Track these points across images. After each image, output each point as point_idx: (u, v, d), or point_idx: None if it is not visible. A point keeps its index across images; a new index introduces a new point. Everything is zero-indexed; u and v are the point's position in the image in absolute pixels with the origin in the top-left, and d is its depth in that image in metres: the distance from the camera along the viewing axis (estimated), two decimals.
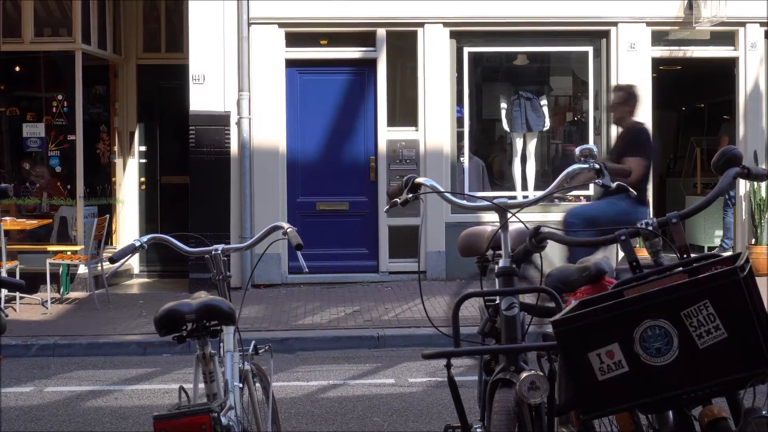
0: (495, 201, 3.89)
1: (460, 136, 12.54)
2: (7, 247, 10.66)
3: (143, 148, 13.57)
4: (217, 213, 11.97)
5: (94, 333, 9.63)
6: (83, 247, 11.49)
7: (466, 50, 12.53)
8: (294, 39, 12.35)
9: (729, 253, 3.42)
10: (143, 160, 13.57)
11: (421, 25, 12.28)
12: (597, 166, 3.99)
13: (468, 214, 11.02)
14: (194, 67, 12.01)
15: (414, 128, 12.36)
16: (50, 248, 11.65)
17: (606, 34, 12.53)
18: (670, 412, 3.31)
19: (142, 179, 13.57)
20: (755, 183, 12.04)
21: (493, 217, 3.96)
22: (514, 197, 12.00)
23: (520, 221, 3.85)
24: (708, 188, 13.98)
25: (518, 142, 12.76)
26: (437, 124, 12.29)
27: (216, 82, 12.05)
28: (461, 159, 12.56)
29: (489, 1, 12.19)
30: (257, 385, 4.38)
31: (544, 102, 12.82)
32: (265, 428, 4.34)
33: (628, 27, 12.41)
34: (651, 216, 11.02)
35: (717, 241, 13.52)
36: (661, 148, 14.91)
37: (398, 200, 4.09)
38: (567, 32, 12.60)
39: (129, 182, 13.51)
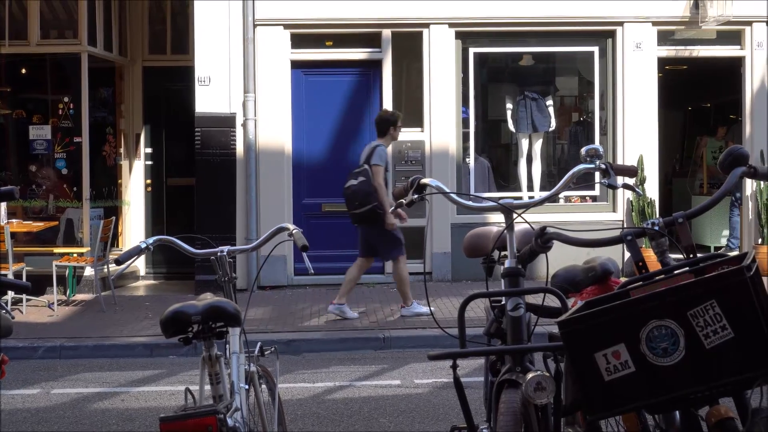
0: (500, 201, 3.88)
1: (465, 137, 12.54)
2: (13, 249, 10.68)
3: (149, 150, 13.58)
4: (222, 215, 11.97)
5: (101, 335, 9.63)
6: (89, 249, 11.50)
7: (472, 51, 12.53)
8: (299, 40, 12.35)
9: (735, 253, 3.41)
10: (149, 162, 13.58)
11: (427, 25, 12.27)
12: (603, 166, 3.98)
13: (474, 214, 11.00)
14: (200, 69, 12.02)
15: (419, 129, 12.36)
16: (56, 250, 11.67)
17: (612, 34, 12.51)
18: (677, 413, 3.30)
19: (148, 181, 13.58)
20: (762, 182, 12.01)
21: (498, 217, 3.95)
22: (520, 198, 12.06)
23: (526, 222, 3.85)
24: (714, 188, 13.96)
25: (524, 143, 12.74)
26: (443, 125, 12.29)
27: (222, 84, 12.05)
28: (467, 160, 12.56)
29: (494, 2, 12.18)
30: (263, 386, 4.38)
31: (549, 102, 12.81)
32: (271, 430, 4.34)
33: (634, 27, 12.39)
34: (658, 216, 11.01)
35: (723, 241, 13.50)
36: (667, 148, 14.88)
37: (404, 201, 4.08)
38: (573, 32, 12.59)
39: (135, 184, 13.52)
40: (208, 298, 3.99)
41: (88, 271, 11.64)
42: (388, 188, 9.96)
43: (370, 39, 12.43)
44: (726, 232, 13.49)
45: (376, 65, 12.41)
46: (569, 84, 13.55)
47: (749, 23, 12.46)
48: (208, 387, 3.93)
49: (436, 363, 7.70)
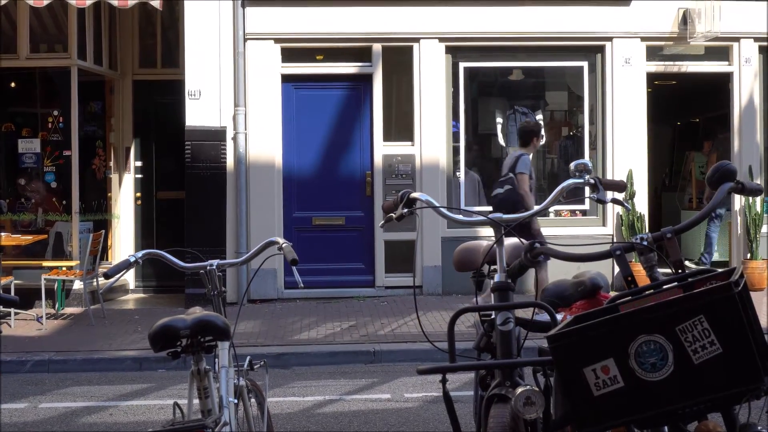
0: (490, 216, 3.89)
1: (456, 151, 12.56)
2: (2, 262, 10.63)
3: (139, 164, 13.56)
4: (212, 228, 11.95)
5: (90, 349, 9.60)
6: (78, 262, 11.46)
7: (462, 65, 12.56)
8: (290, 54, 12.37)
9: (724, 269, 3.41)
10: (139, 176, 13.56)
11: (417, 40, 12.31)
12: (592, 181, 3.99)
13: (464, 228, 11.01)
14: (190, 83, 12.02)
15: (410, 143, 12.38)
16: (45, 264, 11.62)
17: (601, 49, 12.56)
18: (666, 428, 3.30)
19: (138, 194, 13.55)
20: (750, 198, 12.05)
21: (489, 231, 3.96)
22: None
23: (516, 236, 3.85)
24: (703, 203, 13.98)
25: None
26: (433, 139, 12.30)
27: (212, 98, 12.05)
28: (457, 174, 12.57)
29: (484, 17, 12.23)
30: (252, 400, 4.37)
31: (539, 117, 12.84)
32: None
33: (623, 42, 12.45)
34: (647, 230, 11.04)
35: (715, 256, 13.45)
36: (656, 163, 14.93)
37: (393, 215, 4.09)
38: (562, 47, 12.63)
39: (125, 197, 13.49)
40: (197, 312, 3.98)
41: (77, 285, 11.60)
42: (532, 195, 10.14)
43: (361, 53, 12.45)
44: (716, 247, 13.49)
45: (366, 79, 12.43)
46: (559, 99, 13.59)
47: (737, 39, 12.54)
48: (196, 401, 3.92)
49: (425, 377, 7.69)
